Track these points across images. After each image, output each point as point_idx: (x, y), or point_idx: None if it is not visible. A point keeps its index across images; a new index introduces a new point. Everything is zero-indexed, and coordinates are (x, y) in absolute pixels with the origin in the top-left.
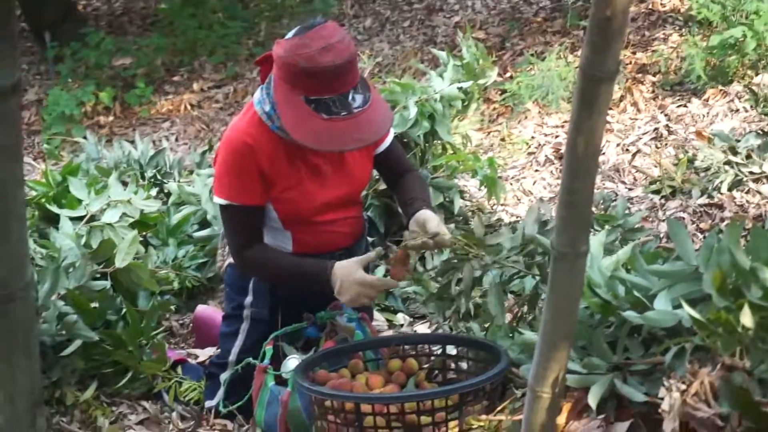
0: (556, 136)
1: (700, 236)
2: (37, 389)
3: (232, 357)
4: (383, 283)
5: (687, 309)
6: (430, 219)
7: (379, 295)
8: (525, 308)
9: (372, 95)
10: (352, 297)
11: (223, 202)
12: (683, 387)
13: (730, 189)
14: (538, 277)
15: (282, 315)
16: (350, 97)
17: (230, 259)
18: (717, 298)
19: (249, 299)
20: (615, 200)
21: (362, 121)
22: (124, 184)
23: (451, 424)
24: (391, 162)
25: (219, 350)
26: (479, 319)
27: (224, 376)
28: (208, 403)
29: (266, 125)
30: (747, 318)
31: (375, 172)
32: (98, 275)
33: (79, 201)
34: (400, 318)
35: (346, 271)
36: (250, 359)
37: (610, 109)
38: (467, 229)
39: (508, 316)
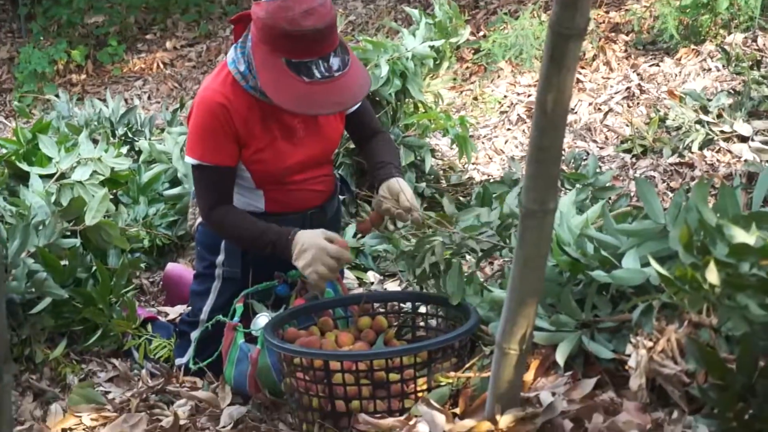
0: (529, 95)
1: (671, 195)
2: (4, 345)
3: (203, 315)
4: (339, 252)
5: (654, 266)
6: (404, 190)
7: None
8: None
9: (351, 59)
10: (307, 262)
11: (194, 161)
12: (650, 344)
13: (700, 148)
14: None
15: (254, 274)
16: (330, 61)
17: (201, 218)
18: (684, 255)
19: (221, 258)
20: (586, 159)
21: (341, 85)
22: (95, 141)
23: (420, 381)
24: (361, 123)
25: (190, 308)
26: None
27: (195, 334)
28: (179, 361)
29: (240, 85)
30: (713, 275)
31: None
32: (68, 233)
33: (50, 159)
34: (371, 276)
35: (307, 237)
36: (220, 317)
37: (583, 68)
38: (441, 188)
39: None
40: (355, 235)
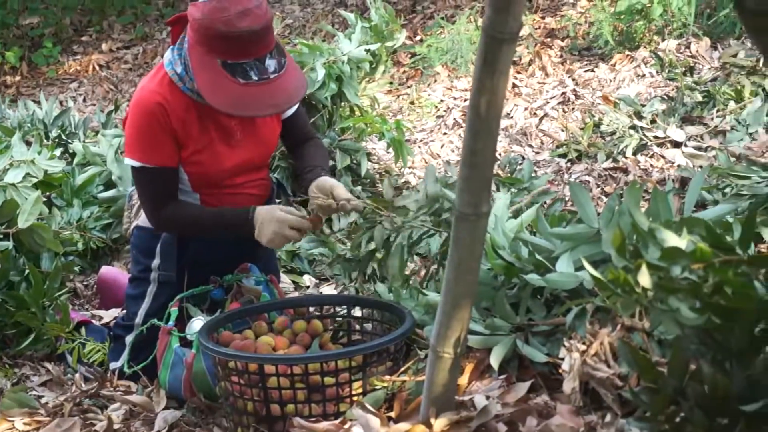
0: (465, 100)
1: (605, 200)
2: None
3: (138, 319)
4: (300, 222)
5: (588, 268)
6: (337, 185)
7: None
8: (435, 267)
9: (287, 61)
10: (270, 237)
11: (135, 163)
12: (583, 347)
13: (634, 153)
14: (445, 234)
15: (189, 278)
16: (266, 62)
17: (137, 221)
18: (616, 259)
19: (156, 262)
20: (521, 163)
21: (277, 87)
22: (28, 144)
23: (355, 384)
24: (295, 128)
25: (125, 312)
26: (386, 282)
27: (130, 338)
28: (113, 365)
29: (177, 86)
30: (645, 278)
31: None
32: (1, 236)
33: None
34: (306, 280)
35: (266, 211)
36: (155, 320)
37: (519, 73)
38: (376, 192)
39: (415, 279)
40: None
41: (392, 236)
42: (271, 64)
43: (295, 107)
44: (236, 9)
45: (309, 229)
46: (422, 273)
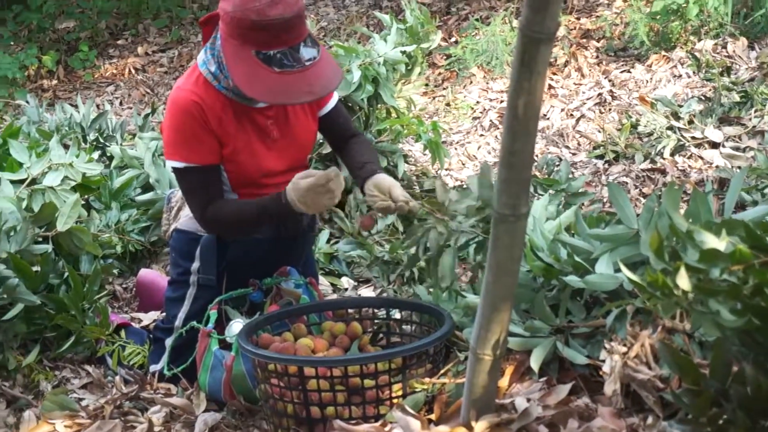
0: (501, 101)
1: (643, 201)
2: None
3: (178, 322)
4: (325, 175)
5: (626, 272)
6: (394, 185)
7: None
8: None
9: (321, 50)
10: (310, 204)
11: (178, 164)
12: (624, 349)
13: (672, 154)
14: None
15: (228, 280)
16: (300, 51)
17: (176, 224)
18: (654, 261)
19: (196, 265)
20: (559, 165)
21: (313, 74)
22: (66, 147)
23: (395, 387)
24: (336, 124)
25: (164, 315)
26: (425, 284)
27: (169, 341)
28: (153, 367)
29: (212, 85)
30: (684, 281)
31: (318, 135)
32: (40, 239)
33: (20, 164)
34: (345, 282)
35: (293, 186)
36: (195, 323)
37: (555, 74)
38: (413, 194)
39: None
40: (328, 241)
41: (446, 239)
42: (305, 52)
43: (334, 103)
44: None
45: (330, 178)
46: (469, 275)
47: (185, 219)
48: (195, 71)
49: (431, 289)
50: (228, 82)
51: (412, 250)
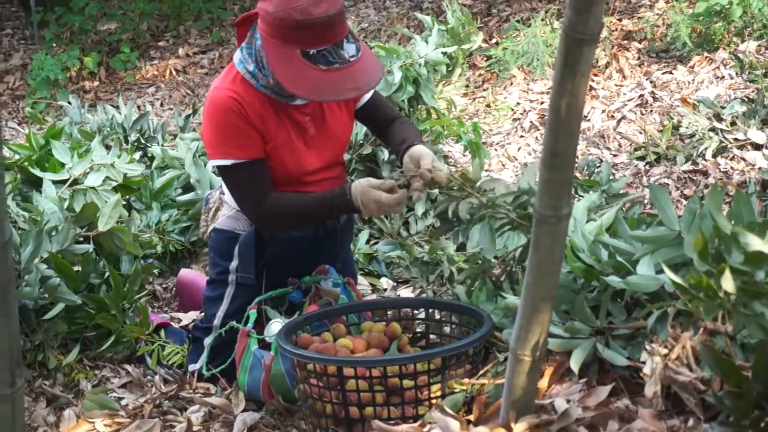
0: (542, 103)
1: (684, 203)
2: (15, 350)
3: (217, 321)
4: (389, 184)
5: (668, 274)
6: (424, 155)
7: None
8: (512, 267)
9: (361, 45)
10: (375, 208)
11: (225, 162)
12: (665, 351)
13: (714, 155)
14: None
15: (267, 279)
16: (344, 47)
17: (214, 224)
18: (698, 263)
19: (234, 264)
20: (599, 166)
21: (357, 70)
22: (108, 147)
23: (434, 387)
24: (377, 112)
25: (203, 314)
26: (462, 283)
27: (208, 341)
28: (192, 367)
29: (250, 84)
30: (728, 283)
31: (358, 135)
32: (81, 239)
33: (62, 164)
34: (384, 282)
35: (359, 187)
36: (234, 323)
37: (596, 75)
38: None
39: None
40: (368, 241)
41: (478, 213)
42: (348, 48)
43: (369, 95)
44: None
45: (403, 201)
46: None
47: (223, 219)
48: (232, 71)
49: (471, 290)
50: (267, 80)
51: (447, 213)
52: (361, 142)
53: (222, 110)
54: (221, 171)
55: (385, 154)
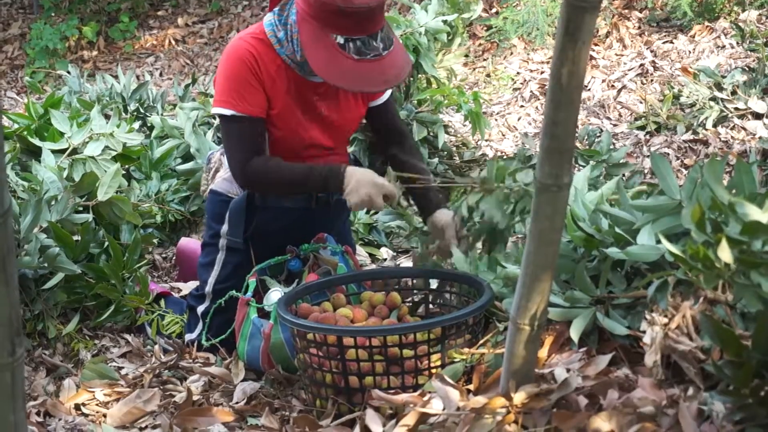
0: (542, 72)
1: (685, 172)
2: (15, 318)
3: (209, 288)
4: (392, 193)
5: (666, 244)
6: (448, 227)
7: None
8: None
9: (394, 38)
10: (362, 198)
11: (225, 111)
12: (665, 320)
13: (715, 125)
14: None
15: (257, 246)
16: (378, 39)
17: (212, 185)
18: (696, 233)
19: (225, 228)
20: (600, 136)
21: (387, 64)
22: (107, 117)
23: (434, 357)
24: (386, 117)
25: (198, 283)
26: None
27: (201, 309)
28: (188, 336)
29: (274, 47)
30: (725, 253)
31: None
32: (80, 208)
33: (62, 134)
34: (384, 252)
35: (362, 173)
36: (233, 292)
37: (596, 45)
38: (454, 165)
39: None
40: (367, 212)
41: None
42: (381, 40)
43: (387, 96)
44: None
45: (396, 200)
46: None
47: (220, 180)
48: (259, 28)
49: (469, 260)
50: (292, 51)
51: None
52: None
53: (236, 60)
54: (220, 119)
55: None
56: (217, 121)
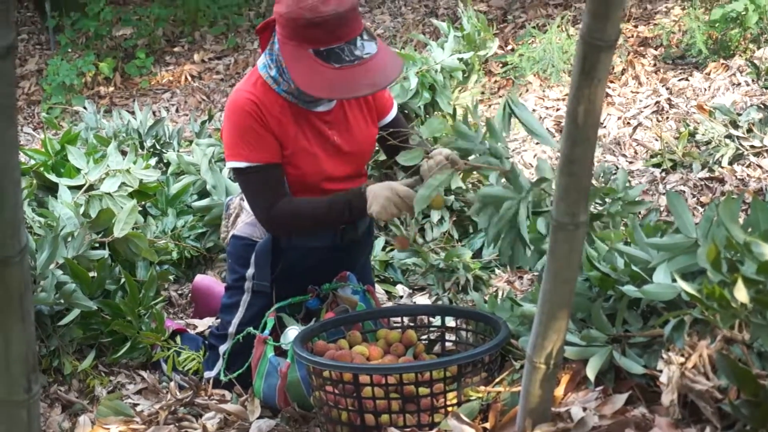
0: (557, 109)
1: (701, 210)
2: (32, 355)
3: (232, 329)
4: (407, 192)
5: (681, 284)
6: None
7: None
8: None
9: (378, 44)
10: (382, 204)
11: (240, 164)
12: (682, 359)
13: (730, 163)
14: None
15: (283, 287)
16: (358, 45)
17: (234, 230)
18: (712, 273)
19: (251, 271)
20: (615, 173)
21: (371, 67)
22: (123, 153)
23: (450, 395)
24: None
25: (219, 321)
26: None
27: (224, 348)
28: (208, 374)
29: (272, 89)
30: (741, 293)
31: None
32: (97, 244)
33: (78, 170)
34: (400, 289)
35: (378, 185)
36: (251, 329)
37: (612, 82)
38: (469, 202)
39: (507, 287)
40: (384, 248)
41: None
42: (362, 46)
43: (394, 113)
44: None
45: (411, 210)
46: (524, 281)
47: (242, 225)
48: (254, 74)
49: (486, 298)
50: (288, 85)
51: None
52: (377, 148)
53: (240, 112)
54: (235, 173)
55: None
56: None
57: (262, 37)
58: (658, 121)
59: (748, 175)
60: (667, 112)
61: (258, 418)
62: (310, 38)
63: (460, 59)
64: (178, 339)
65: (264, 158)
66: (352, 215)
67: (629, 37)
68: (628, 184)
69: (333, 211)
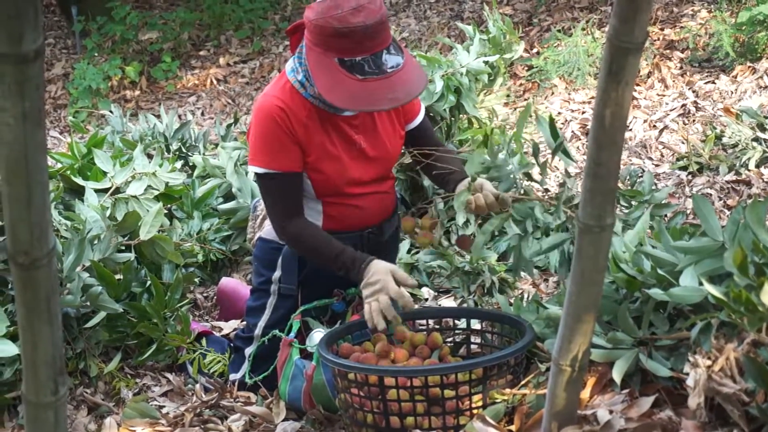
0: (583, 112)
1: (728, 213)
2: (59, 357)
3: (258, 331)
4: (399, 294)
5: (708, 288)
6: (485, 182)
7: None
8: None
9: (405, 57)
10: (370, 293)
11: (260, 170)
12: (709, 362)
13: (757, 165)
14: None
15: (309, 290)
16: (383, 58)
17: (260, 233)
18: (738, 276)
19: (278, 274)
20: (641, 176)
21: (396, 81)
22: (149, 156)
23: (475, 397)
24: (422, 139)
25: (245, 324)
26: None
27: (249, 351)
28: (233, 376)
29: (299, 93)
30: (767, 297)
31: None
32: (123, 247)
33: (104, 173)
34: (425, 292)
35: (380, 268)
36: (276, 332)
37: (638, 85)
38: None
39: (533, 289)
40: (409, 251)
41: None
42: (388, 59)
43: (420, 119)
44: (349, 6)
45: (408, 306)
46: (549, 283)
47: (269, 228)
48: (282, 78)
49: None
50: (315, 90)
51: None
52: (402, 151)
53: (266, 118)
54: (256, 177)
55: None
56: None
57: (293, 39)
58: (685, 124)
59: None
60: (694, 114)
61: (283, 421)
62: (336, 47)
63: (486, 62)
64: (203, 341)
65: (283, 166)
66: (349, 276)
67: (655, 40)
68: (654, 187)
69: (337, 261)
